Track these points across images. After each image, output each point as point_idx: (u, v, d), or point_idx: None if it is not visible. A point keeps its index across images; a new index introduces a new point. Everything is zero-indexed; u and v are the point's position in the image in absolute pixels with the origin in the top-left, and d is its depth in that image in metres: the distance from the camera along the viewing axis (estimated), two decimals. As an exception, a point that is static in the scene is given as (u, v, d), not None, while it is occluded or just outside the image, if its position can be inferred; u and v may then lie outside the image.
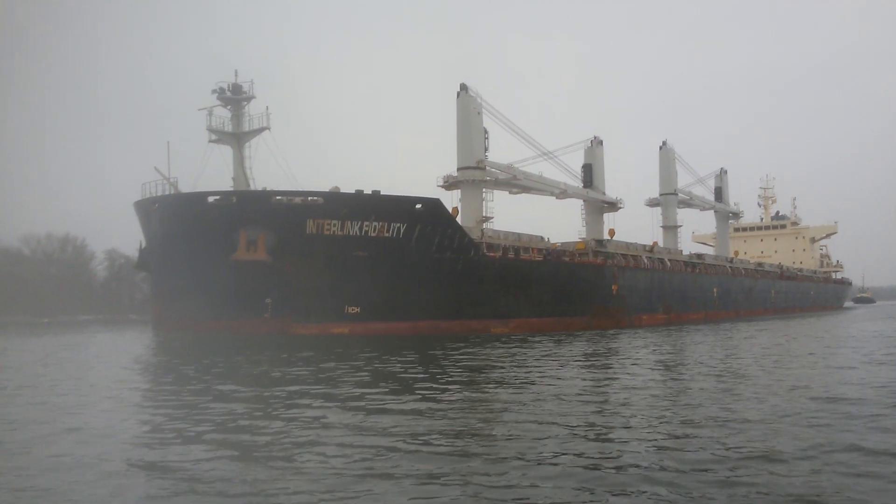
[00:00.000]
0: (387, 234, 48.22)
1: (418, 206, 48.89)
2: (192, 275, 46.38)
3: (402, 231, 48.55)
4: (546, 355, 33.36)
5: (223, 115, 51.16)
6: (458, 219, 65.89)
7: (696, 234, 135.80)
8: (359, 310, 48.75)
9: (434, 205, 49.35)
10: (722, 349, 36.85)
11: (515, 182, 72.43)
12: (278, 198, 46.55)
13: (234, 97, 51.13)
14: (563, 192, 78.27)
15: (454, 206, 67.85)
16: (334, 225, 47.05)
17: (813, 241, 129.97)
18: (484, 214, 67.60)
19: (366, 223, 47.60)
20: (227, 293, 45.89)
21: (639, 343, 41.47)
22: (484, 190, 68.96)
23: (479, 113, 67.84)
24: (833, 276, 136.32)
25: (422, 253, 49.44)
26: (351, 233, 47.46)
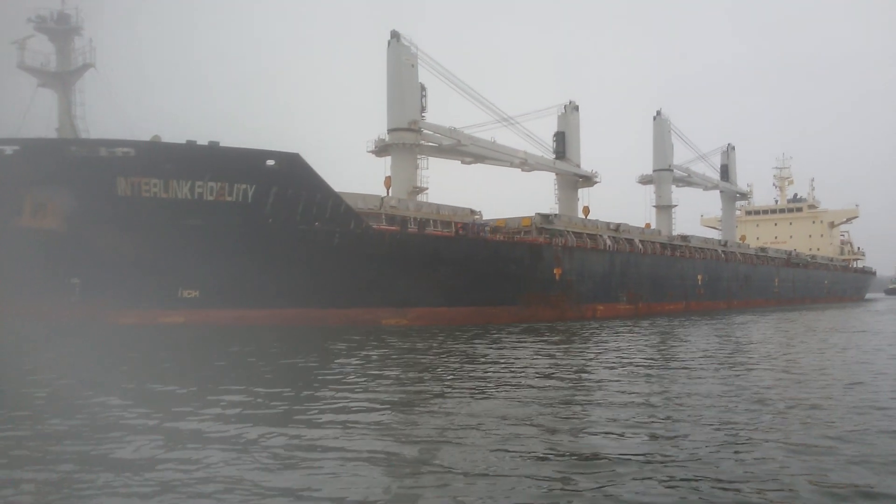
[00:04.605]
0: (229, 198, 35.65)
1: (270, 162, 36.15)
2: (-27, 246, 34.53)
3: (250, 194, 35.93)
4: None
5: (46, 50, 39.06)
6: (390, 189, 53.40)
7: (704, 217, 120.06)
8: (197, 294, 36.42)
9: (293, 161, 36.54)
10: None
11: (462, 149, 59.23)
12: (75, 148, 34.21)
13: (60, 28, 38.87)
14: (523, 163, 64.69)
15: (387, 174, 55.75)
16: (155, 185, 34.66)
17: (832, 225, 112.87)
18: (417, 184, 54.91)
19: (199, 183, 35.08)
20: (16, 269, 33.86)
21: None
22: (421, 157, 56.18)
23: (413, 66, 54.88)
24: (853, 264, 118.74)
25: (281, 223, 36.83)
26: (179, 195, 35.04)
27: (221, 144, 35.83)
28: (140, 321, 35.44)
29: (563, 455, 10.71)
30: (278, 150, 36.61)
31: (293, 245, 37.23)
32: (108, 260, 34.91)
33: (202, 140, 35.17)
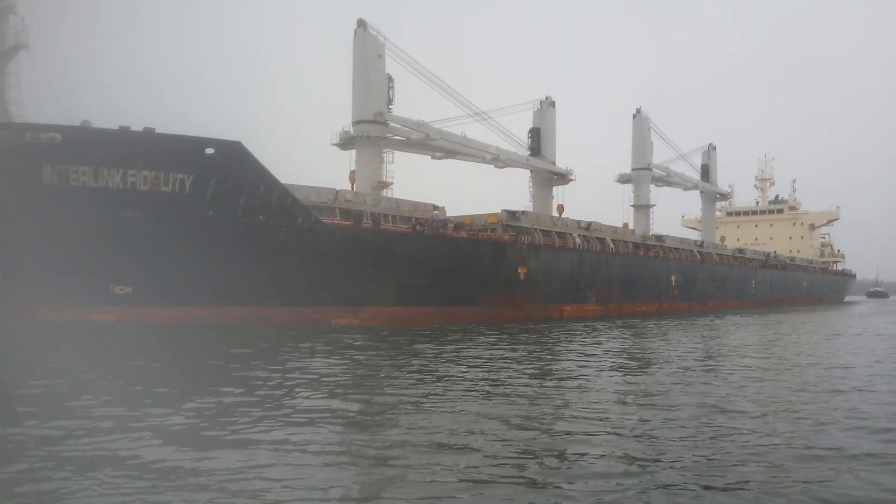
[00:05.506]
0: (165, 189, 33.20)
1: (210, 150, 33.72)
2: None
3: (187, 184, 33.53)
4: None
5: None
6: (354, 185, 51.15)
7: (685, 218, 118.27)
8: (131, 290, 34.01)
9: (233, 150, 34.16)
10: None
11: (431, 143, 57.02)
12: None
13: (-9, 5, 36.39)
14: (496, 159, 62.53)
15: (352, 169, 53.48)
16: (84, 173, 32.18)
17: (812, 227, 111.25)
18: (382, 179, 52.65)
19: (131, 172, 32.63)
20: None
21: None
22: (387, 150, 53.93)
23: (380, 56, 52.57)
24: (833, 266, 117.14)
25: (222, 215, 34.45)
26: (110, 185, 32.60)
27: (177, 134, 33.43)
28: (68, 319, 33.04)
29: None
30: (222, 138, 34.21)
31: (235, 239, 34.88)
32: (33, 253, 32.49)
33: (137, 126, 32.70)
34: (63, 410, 13.28)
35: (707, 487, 9.09)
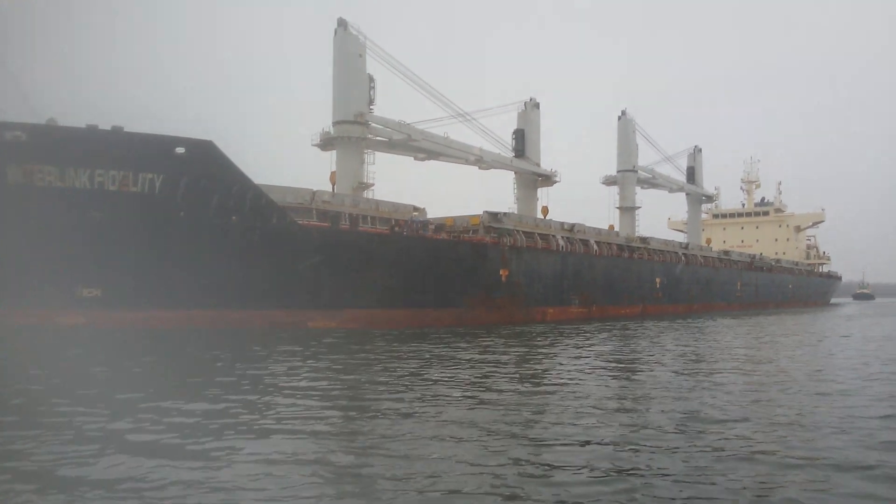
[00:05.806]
0: (134, 189, 32.27)
1: (180, 149, 32.81)
2: None
3: (157, 184, 32.60)
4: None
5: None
6: (335, 186, 50.38)
7: (671, 220, 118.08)
8: (99, 293, 32.98)
9: (205, 149, 33.28)
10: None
11: (413, 144, 56.29)
12: (-42, 131, 30.63)
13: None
14: (479, 160, 61.94)
15: (333, 170, 52.71)
16: (50, 173, 31.20)
17: (798, 229, 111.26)
18: (363, 180, 51.90)
19: (99, 172, 31.69)
20: None
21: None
22: (368, 151, 53.19)
23: (360, 55, 51.87)
24: (819, 268, 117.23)
25: (194, 216, 33.54)
26: (77, 184, 31.65)
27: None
28: (35, 322, 31.97)
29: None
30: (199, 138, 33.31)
31: (207, 241, 33.96)
32: (-3, 254, 31.45)
33: (105, 125, 31.75)
34: (26, 418, 12.55)
35: (695, 496, 8.60)
